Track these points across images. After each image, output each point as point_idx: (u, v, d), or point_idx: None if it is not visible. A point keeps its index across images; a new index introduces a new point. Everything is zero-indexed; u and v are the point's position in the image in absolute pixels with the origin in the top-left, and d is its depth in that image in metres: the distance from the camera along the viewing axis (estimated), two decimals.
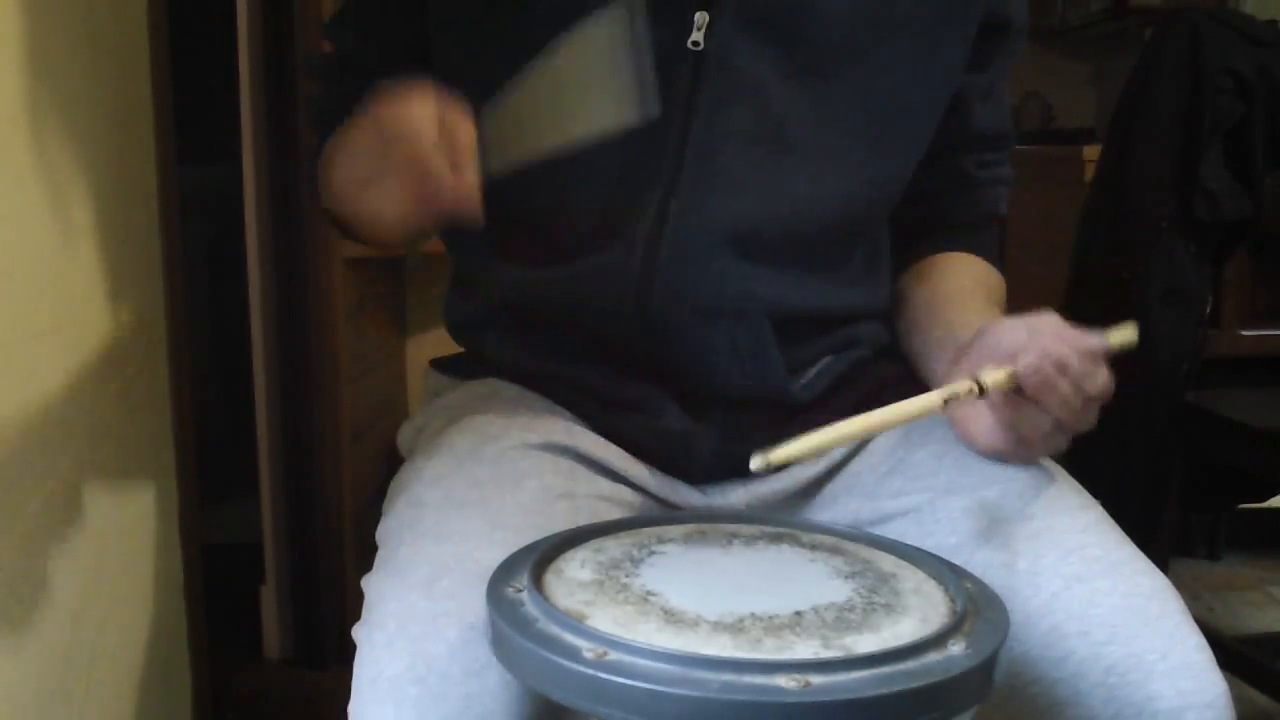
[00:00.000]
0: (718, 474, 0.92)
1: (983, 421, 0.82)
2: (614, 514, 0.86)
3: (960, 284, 0.98)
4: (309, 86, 1.59)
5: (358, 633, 0.75)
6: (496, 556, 0.70)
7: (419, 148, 0.72)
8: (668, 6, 0.86)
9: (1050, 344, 0.76)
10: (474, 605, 0.70)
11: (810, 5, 0.87)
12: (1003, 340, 0.79)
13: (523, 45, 0.89)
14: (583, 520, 0.80)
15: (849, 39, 0.87)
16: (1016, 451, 0.82)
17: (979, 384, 0.77)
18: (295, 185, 1.89)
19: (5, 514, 1.02)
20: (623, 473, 0.90)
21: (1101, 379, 0.77)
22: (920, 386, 0.96)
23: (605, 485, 0.88)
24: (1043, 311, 0.81)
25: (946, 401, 0.76)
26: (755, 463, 0.70)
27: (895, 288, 1.02)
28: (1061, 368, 0.76)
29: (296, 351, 1.97)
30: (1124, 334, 0.82)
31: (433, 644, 0.70)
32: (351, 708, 0.72)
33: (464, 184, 0.72)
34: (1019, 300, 0.94)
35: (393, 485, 0.90)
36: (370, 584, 0.78)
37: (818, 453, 0.76)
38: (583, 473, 0.87)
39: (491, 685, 0.68)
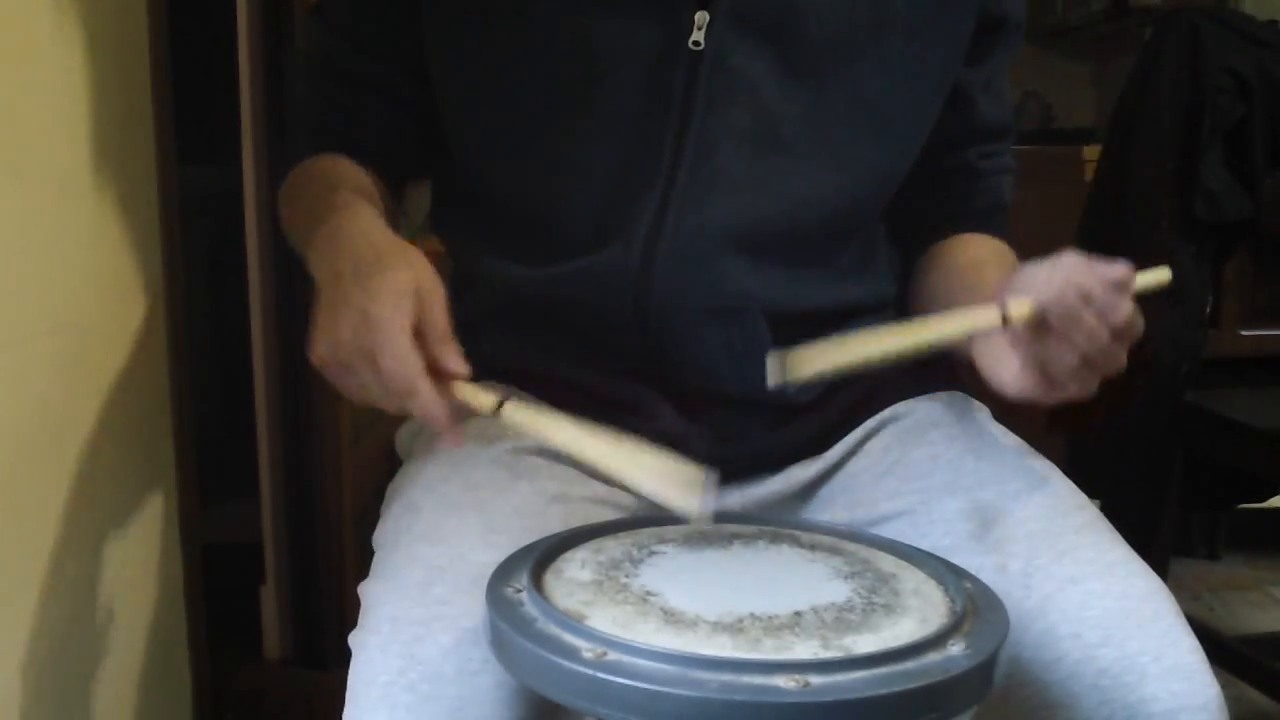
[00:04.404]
0: None
1: (1011, 362, 0.79)
2: (609, 517, 0.86)
3: (979, 254, 0.98)
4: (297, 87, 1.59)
5: (353, 639, 0.74)
6: (491, 559, 0.70)
7: (398, 365, 0.70)
8: (665, 6, 0.86)
9: (1073, 275, 0.74)
10: (468, 608, 0.70)
11: (805, 4, 0.87)
12: (1026, 278, 0.77)
13: (521, 49, 0.89)
14: (578, 523, 0.80)
15: (844, 38, 0.87)
16: (1046, 391, 0.78)
17: (1004, 314, 0.75)
18: None
19: (5, 513, 1.02)
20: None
21: (1126, 310, 0.74)
22: (921, 383, 0.96)
23: (600, 488, 0.88)
24: (1067, 253, 0.78)
25: (979, 329, 0.75)
26: (771, 375, 0.68)
27: (911, 270, 1.01)
28: (1085, 298, 0.73)
29: (296, 351, 1.96)
30: (1155, 275, 0.79)
31: (426, 648, 0.70)
32: (346, 715, 0.72)
33: (443, 412, 0.71)
34: None
35: (389, 489, 0.90)
36: (366, 590, 0.78)
37: (836, 368, 0.73)
38: (577, 476, 0.87)
39: (485, 687, 0.68)
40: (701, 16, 0.86)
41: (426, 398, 0.70)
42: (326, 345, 0.73)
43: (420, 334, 0.71)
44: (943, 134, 0.96)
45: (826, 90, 0.88)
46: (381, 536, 0.83)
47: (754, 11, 0.86)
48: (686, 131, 0.86)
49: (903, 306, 1.01)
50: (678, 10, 0.86)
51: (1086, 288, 0.73)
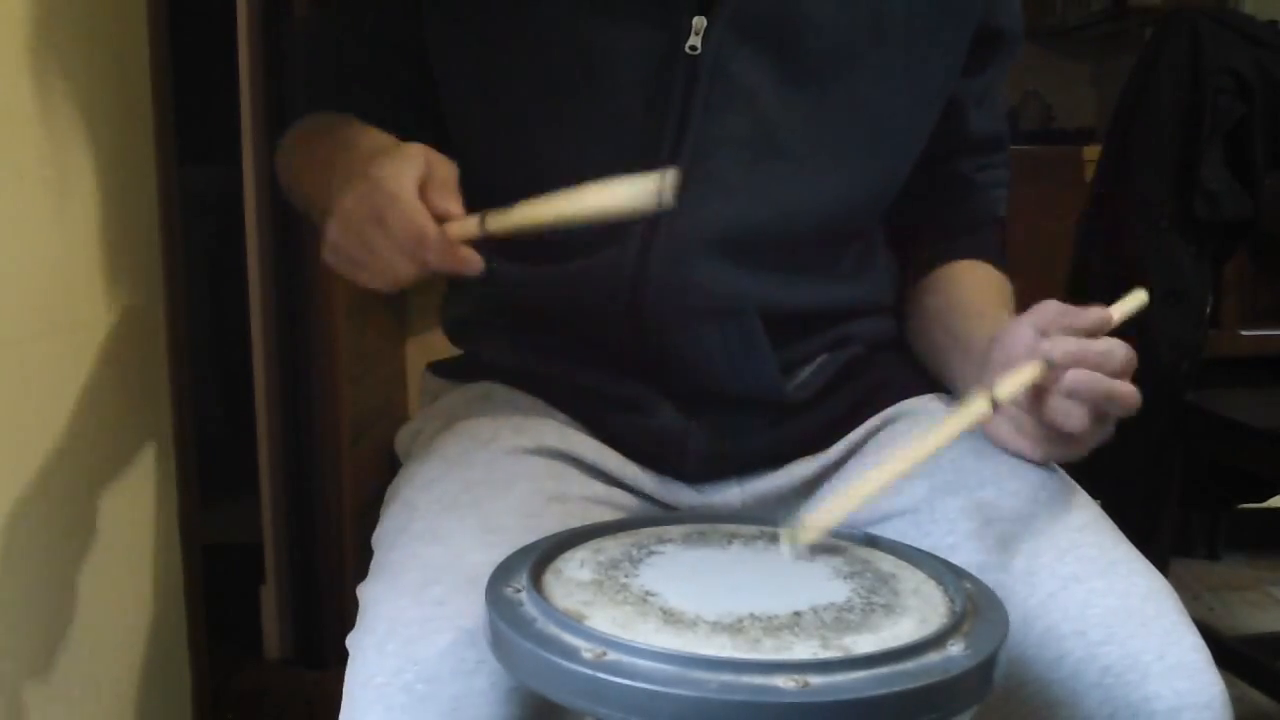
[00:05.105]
0: (712, 473, 0.92)
1: (1024, 435, 0.82)
2: (607, 517, 0.86)
3: (967, 294, 0.98)
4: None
5: (350, 640, 0.74)
6: (488, 559, 0.69)
7: (404, 211, 0.72)
8: (665, 11, 0.86)
9: (1057, 344, 0.75)
10: (465, 610, 0.70)
11: (804, 12, 0.87)
12: (1011, 349, 0.78)
13: (519, 51, 0.89)
14: (575, 523, 0.79)
15: (843, 46, 0.87)
16: (1068, 448, 0.81)
17: (993, 400, 0.76)
18: None
19: (6, 514, 1.02)
20: (617, 475, 0.90)
21: (1120, 354, 0.75)
22: (922, 381, 0.96)
23: (599, 488, 0.88)
24: (1043, 303, 0.80)
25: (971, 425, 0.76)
26: (784, 544, 0.70)
27: (906, 297, 1.02)
28: (1077, 359, 0.74)
29: (297, 351, 1.97)
30: (1133, 299, 0.80)
31: (422, 649, 0.69)
32: (343, 715, 0.72)
33: (454, 246, 0.74)
34: (1019, 301, 0.93)
35: (389, 490, 0.90)
36: (364, 591, 0.78)
37: (845, 516, 0.73)
38: (575, 475, 0.87)
39: (480, 687, 0.68)
40: (699, 22, 0.86)
41: (436, 240, 0.72)
42: (335, 224, 0.75)
43: (424, 190, 0.73)
44: (935, 145, 0.96)
45: (825, 98, 0.88)
46: (379, 536, 0.83)
47: (753, 19, 0.86)
48: (684, 136, 0.86)
49: (901, 313, 1.01)
50: (676, 15, 0.86)
51: (1074, 352, 0.75)
